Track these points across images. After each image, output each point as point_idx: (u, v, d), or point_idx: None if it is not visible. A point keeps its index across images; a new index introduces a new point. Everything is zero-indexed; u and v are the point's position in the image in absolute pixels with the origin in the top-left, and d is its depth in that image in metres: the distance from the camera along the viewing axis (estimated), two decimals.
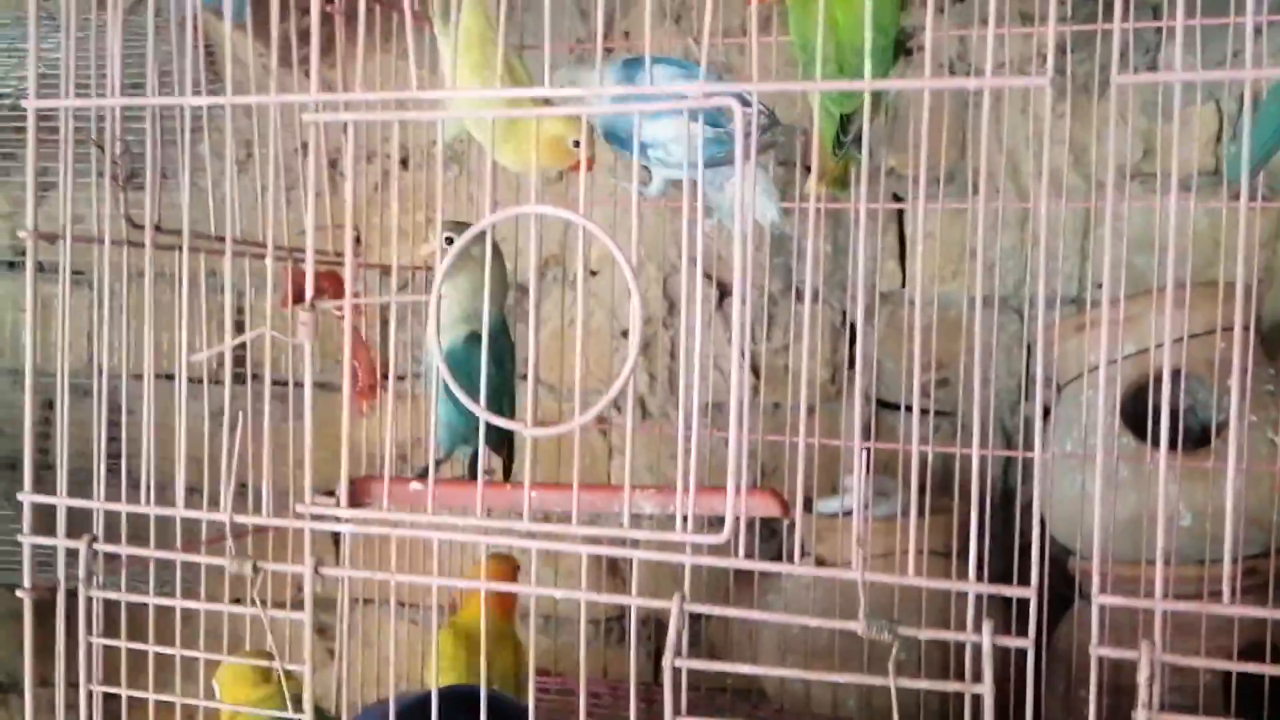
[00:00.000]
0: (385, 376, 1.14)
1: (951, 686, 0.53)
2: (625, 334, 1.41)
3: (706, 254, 1.27)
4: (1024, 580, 0.55)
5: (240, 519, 0.66)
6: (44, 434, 1.10)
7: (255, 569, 0.63)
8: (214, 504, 0.69)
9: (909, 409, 1.22)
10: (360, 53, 0.63)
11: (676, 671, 0.55)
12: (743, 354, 0.64)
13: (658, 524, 0.64)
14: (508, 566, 0.97)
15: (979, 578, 0.55)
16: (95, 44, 0.70)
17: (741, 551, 0.57)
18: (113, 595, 0.68)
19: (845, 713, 1.09)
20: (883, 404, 1.29)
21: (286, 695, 0.66)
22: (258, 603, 0.63)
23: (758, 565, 0.58)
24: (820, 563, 1.14)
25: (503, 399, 0.93)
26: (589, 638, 0.78)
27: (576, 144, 0.82)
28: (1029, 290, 1.21)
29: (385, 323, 1.13)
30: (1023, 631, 0.53)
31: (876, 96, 0.86)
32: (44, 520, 0.73)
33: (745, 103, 0.57)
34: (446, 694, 0.70)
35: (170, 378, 0.70)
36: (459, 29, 0.83)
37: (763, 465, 1.19)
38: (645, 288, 1.39)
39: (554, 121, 0.78)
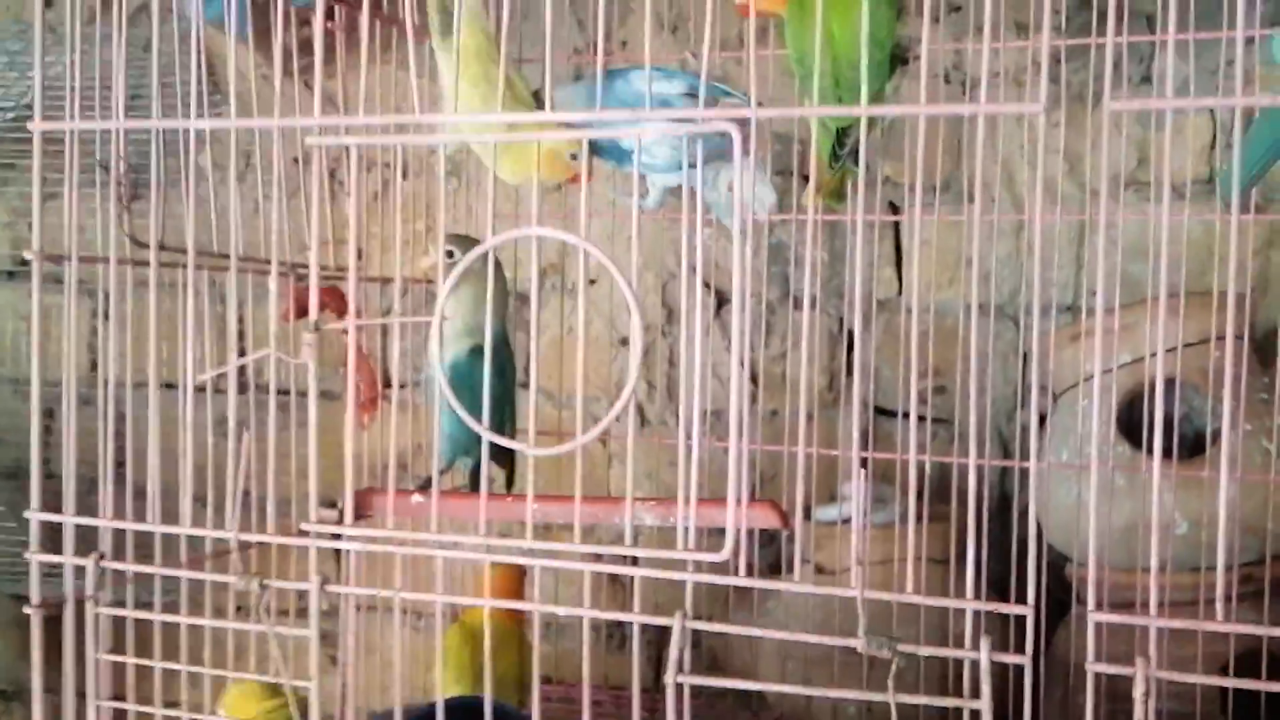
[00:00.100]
0: (388, 386, 1.15)
1: (950, 702, 0.54)
2: (624, 342, 1.42)
3: (705, 262, 1.28)
4: (1021, 594, 0.55)
5: (246, 537, 0.66)
6: (46, 443, 1.10)
7: (262, 586, 0.64)
8: (218, 512, 0.70)
9: (906, 416, 1.23)
10: (363, 63, 0.63)
11: (679, 687, 0.56)
12: (742, 364, 0.64)
13: (659, 540, 0.64)
14: (514, 570, 0.98)
15: (976, 594, 0.55)
16: (99, 54, 0.70)
17: (743, 570, 0.58)
18: (120, 612, 0.68)
19: (845, 718, 1.09)
20: (880, 411, 1.30)
21: (294, 710, 0.67)
22: (264, 618, 0.64)
23: (758, 583, 0.59)
24: (819, 570, 1.15)
25: (504, 410, 0.94)
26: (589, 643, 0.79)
27: (574, 157, 0.83)
28: (1024, 298, 1.21)
29: (385, 331, 1.14)
30: (1020, 647, 0.54)
31: (873, 103, 0.86)
32: (48, 530, 0.73)
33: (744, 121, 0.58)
34: (452, 705, 0.71)
35: (172, 386, 0.71)
36: (458, 45, 0.84)
37: (761, 472, 1.19)
38: (643, 295, 1.39)
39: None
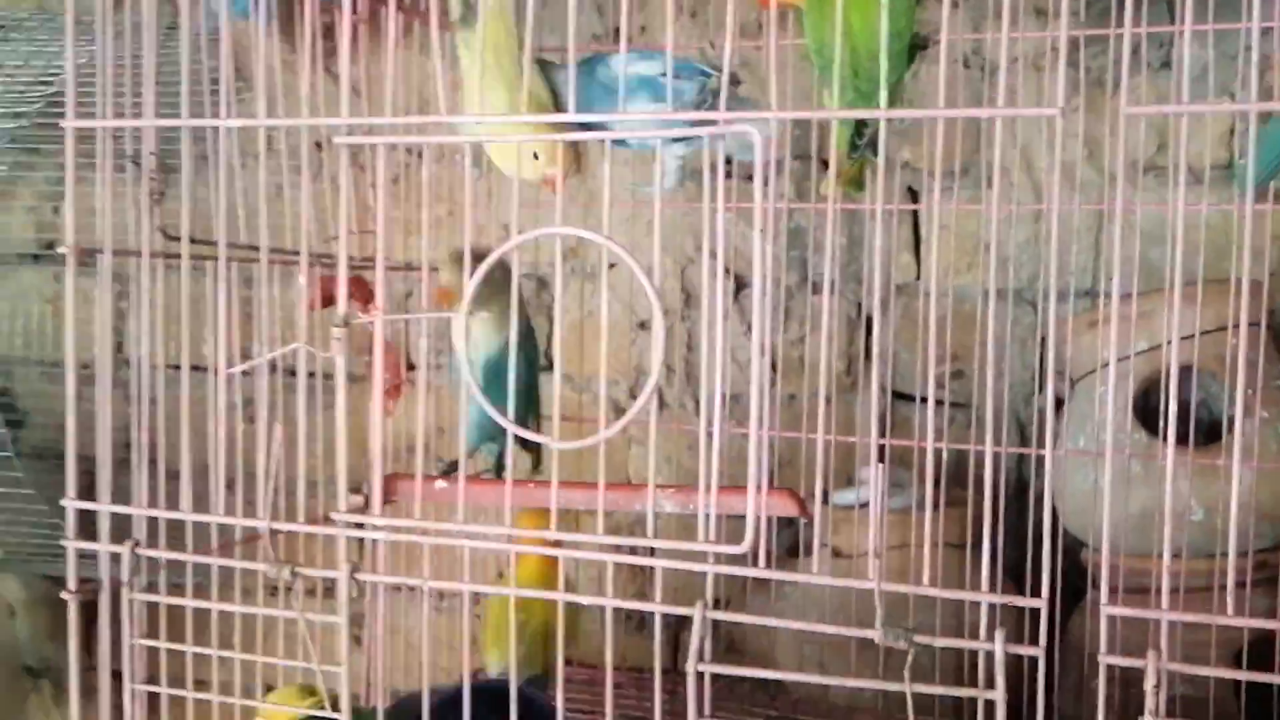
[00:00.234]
0: (412, 368, 1.17)
1: (965, 692, 0.55)
2: (643, 325, 1.43)
3: (723, 247, 1.29)
4: (1036, 585, 0.56)
5: (277, 526, 0.68)
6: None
7: (293, 573, 0.65)
8: (243, 495, 0.71)
9: (924, 401, 1.24)
10: (389, 60, 0.64)
11: (700, 675, 0.57)
12: (762, 352, 0.65)
13: (679, 529, 0.66)
14: (545, 516, 0.99)
15: (992, 586, 0.57)
16: (130, 46, 0.71)
17: (762, 560, 0.59)
18: (155, 598, 0.70)
19: (863, 703, 1.11)
20: (898, 395, 1.31)
21: (327, 701, 0.69)
22: (294, 604, 0.66)
23: (778, 574, 0.60)
24: (837, 554, 1.16)
25: (530, 399, 0.95)
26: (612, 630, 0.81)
27: (536, 156, 0.83)
28: (1043, 284, 1.22)
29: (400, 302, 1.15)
30: (1035, 636, 0.55)
31: (892, 93, 0.86)
32: (78, 513, 0.75)
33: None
34: (476, 689, 0.72)
35: (199, 369, 0.73)
36: (482, 37, 0.84)
37: (780, 456, 1.20)
38: (661, 279, 1.40)
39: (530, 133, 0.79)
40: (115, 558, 0.71)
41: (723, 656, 0.63)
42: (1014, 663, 0.58)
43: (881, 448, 1.14)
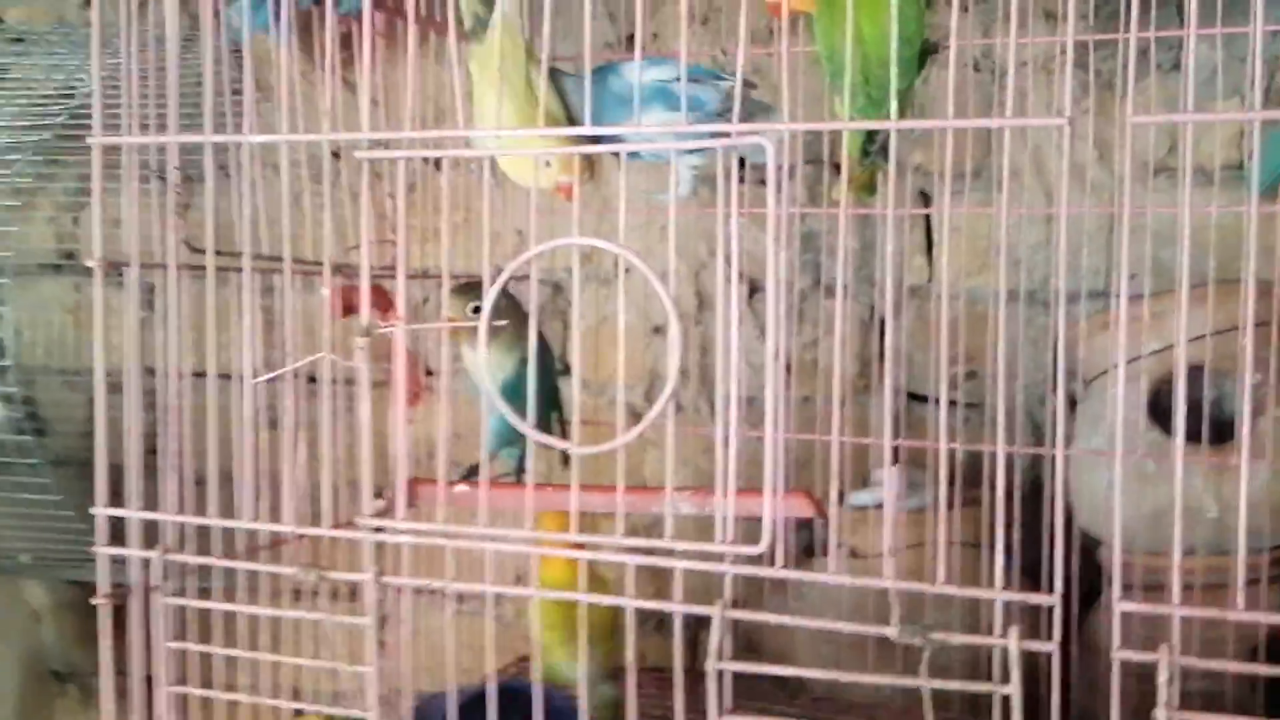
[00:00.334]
0: (430, 374, 1.18)
1: (981, 687, 0.56)
2: (657, 330, 1.44)
3: (737, 252, 1.29)
4: (1050, 583, 0.57)
5: (304, 531, 0.70)
6: (93, 432, 1.13)
7: (320, 577, 0.67)
8: (264, 499, 0.73)
9: (938, 401, 1.24)
10: (410, 75, 0.66)
11: (720, 673, 0.58)
12: (777, 358, 0.66)
13: (697, 532, 0.67)
14: (566, 524, 1.01)
15: (1007, 584, 0.58)
16: (154, 60, 0.73)
17: (779, 560, 0.60)
18: (186, 602, 0.72)
19: (882, 699, 1.11)
20: (913, 396, 1.31)
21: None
22: (321, 607, 0.67)
23: (794, 574, 0.61)
24: (853, 554, 1.17)
25: (549, 406, 0.97)
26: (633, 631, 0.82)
27: (548, 164, 0.84)
28: (1053, 286, 1.22)
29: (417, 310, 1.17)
30: (1049, 633, 0.56)
31: (902, 100, 0.87)
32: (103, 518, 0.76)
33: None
34: (502, 690, 0.74)
35: (226, 377, 0.74)
36: (493, 49, 0.86)
37: (796, 458, 1.21)
38: (676, 284, 1.41)
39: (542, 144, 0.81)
40: (145, 562, 0.73)
41: (742, 657, 0.65)
42: (1033, 662, 0.59)
43: (896, 449, 1.15)
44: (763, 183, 0.94)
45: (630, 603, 0.63)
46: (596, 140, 0.74)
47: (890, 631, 0.55)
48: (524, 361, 0.85)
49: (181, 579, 0.76)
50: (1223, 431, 1.10)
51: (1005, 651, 0.55)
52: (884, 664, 0.97)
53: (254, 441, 0.72)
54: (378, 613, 0.68)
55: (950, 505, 1.03)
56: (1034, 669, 0.62)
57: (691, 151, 0.90)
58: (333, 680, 0.78)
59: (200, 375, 0.76)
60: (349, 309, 0.86)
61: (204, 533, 0.76)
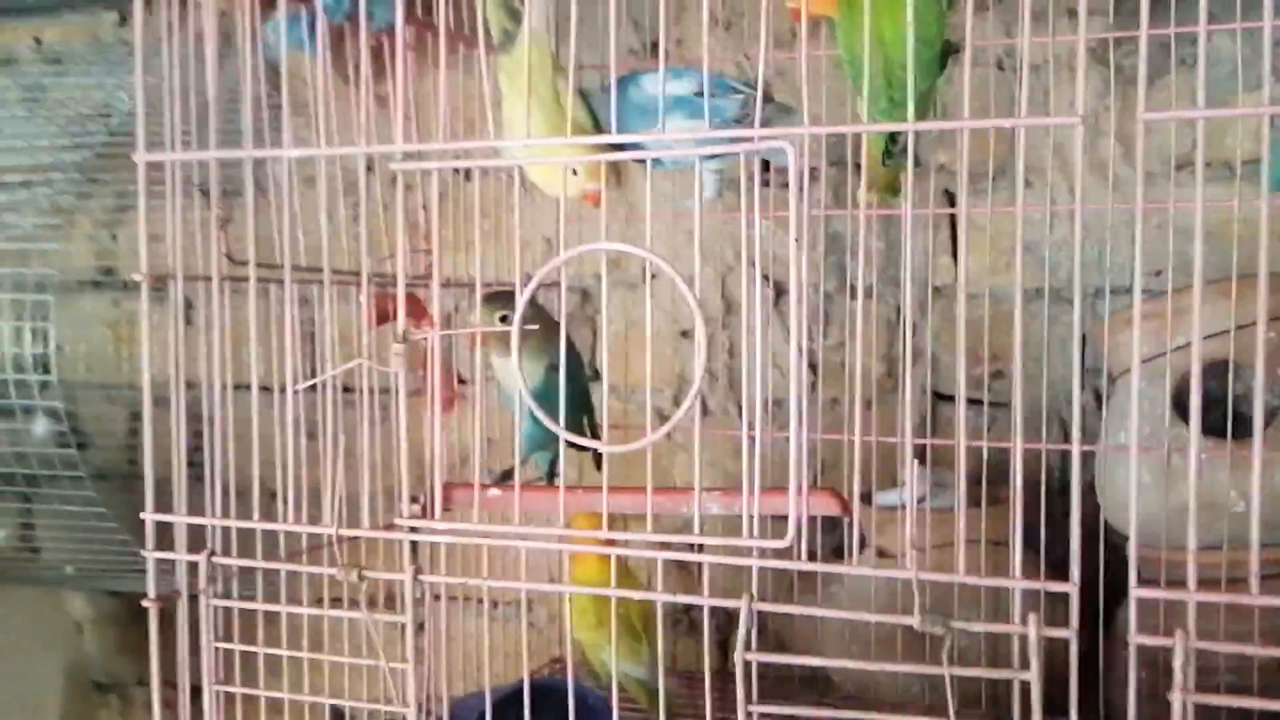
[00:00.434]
0: (463, 381, 1.20)
1: (1001, 674, 0.57)
2: (685, 334, 1.46)
3: (762, 254, 1.31)
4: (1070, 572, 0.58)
5: (343, 532, 0.72)
6: (133, 445, 1.17)
7: (360, 577, 0.69)
8: (304, 505, 0.75)
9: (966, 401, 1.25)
10: (440, 89, 0.68)
11: (747, 664, 0.60)
12: (801, 353, 0.68)
13: (725, 527, 0.68)
14: (598, 525, 1.03)
15: (1034, 573, 0.59)
16: (193, 77, 0.75)
17: (804, 554, 0.62)
18: (229, 604, 0.74)
19: (909, 697, 1.12)
20: (940, 396, 1.32)
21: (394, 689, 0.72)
22: (362, 607, 0.69)
23: (819, 567, 0.63)
24: (881, 553, 1.18)
25: (580, 410, 0.99)
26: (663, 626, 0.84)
27: (575, 172, 0.86)
28: (1075, 284, 1.22)
29: (448, 318, 1.19)
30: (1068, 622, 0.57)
31: (924, 101, 0.88)
32: (140, 523, 0.79)
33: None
34: (534, 688, 0.76)
35: (266, 389, 0.77)
36: (522, 61, 0.88)
37: (823, 460, 1.22)
38: (702, 288, 1.43)
39: (570, 153, 0.83)
40: (192, 566, 0.75)
41: (770, 653, 0.66)
42: (1060, 656, 0.59)
43: (922, 448, 1.16)
44: (787, 185, 0.96)
45: (660, 597, 0.65)
46: (621, 148, 0.76)
47: (913, 621, 0.57)
48: (552, 368, 0.87)
49: (226, 584, 0.78)
50: (1248, 426, 1.10)
51: (1025, 639, 0.56)
52: (910, 662, 0.98)
53: (294, 448, 0.75)
54: (415, 610, 0.70)
55: (976, 503, 1.04)
56: (1060, 666, 0.63)
57: (713, 156, 0.92)
58: (371, 690, 0.80)
59: (241, 388, 0.78)
60: (384, 317, 0.88)
61: (246, 539, 0.79)
